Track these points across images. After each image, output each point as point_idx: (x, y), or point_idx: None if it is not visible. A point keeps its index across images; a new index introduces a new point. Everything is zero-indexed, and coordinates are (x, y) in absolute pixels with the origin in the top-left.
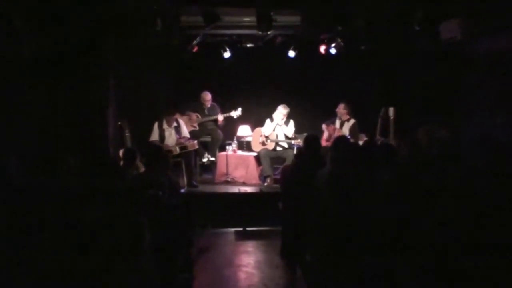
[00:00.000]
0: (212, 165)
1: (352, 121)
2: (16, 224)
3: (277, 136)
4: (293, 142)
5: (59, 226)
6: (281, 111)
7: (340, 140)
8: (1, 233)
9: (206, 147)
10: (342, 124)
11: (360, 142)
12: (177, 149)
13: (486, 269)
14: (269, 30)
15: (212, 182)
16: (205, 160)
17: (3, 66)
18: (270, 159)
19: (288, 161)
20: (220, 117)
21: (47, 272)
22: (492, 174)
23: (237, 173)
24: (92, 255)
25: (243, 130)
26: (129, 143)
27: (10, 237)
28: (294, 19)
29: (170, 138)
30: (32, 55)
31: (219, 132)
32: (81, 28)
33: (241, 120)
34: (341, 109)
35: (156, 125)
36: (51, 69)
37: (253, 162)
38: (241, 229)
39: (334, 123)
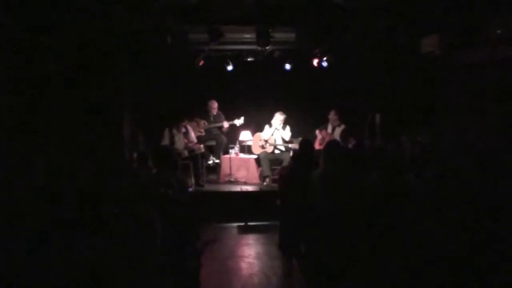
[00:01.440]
0: (216, 167)
1: (343, 126)
2: (40, 219)
3: (275, 140)
4: (289, 145)
5: (80, 221)
6: (278, 118)
7: (332, 144)
8: (27, 226)
9: (211, 150)
10: (333, 129)
11: (350, 146)
12: (186, 152)
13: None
14: (267, 46)
15: (216, 182)
16: (210, 162)
17: (31, 80)
18: (269, 161)
19: (285, 163)
20: (226, 125)
21: (69, 261)
22: (467, 173)
23: (239, 174)
24: (109, 246)
25: (245, 135)
26: (142, 147)
27: (35, 230)
28: (289, 35)
29: (179, 142)
30: (56, 70)
31: (223, 137)
32: (99, 45)
33: (243, 126)
34: (332, 115)
35: (166, 131)
36: (72, 82)
37: (253, 164)
38: (242, 224)
39: (326, 128)
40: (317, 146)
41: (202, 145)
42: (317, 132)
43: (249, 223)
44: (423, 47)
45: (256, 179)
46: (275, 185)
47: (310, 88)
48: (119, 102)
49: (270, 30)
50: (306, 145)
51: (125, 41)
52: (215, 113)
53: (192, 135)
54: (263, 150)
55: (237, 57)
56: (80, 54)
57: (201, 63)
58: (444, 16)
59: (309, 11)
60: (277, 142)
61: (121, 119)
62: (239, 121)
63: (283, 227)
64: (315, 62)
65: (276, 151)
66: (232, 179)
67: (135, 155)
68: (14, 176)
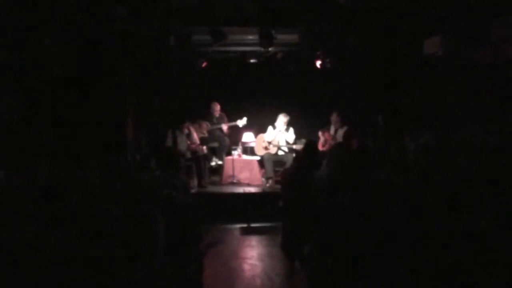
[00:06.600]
0: (219, 168)
1: (345, 128)
2: (44, 217)
3: (278, 142)
4: (293, 146)
5: (82, 220)
6: (282, 119)
7: (337, 146)
8: (31, 225)
9: (214, 152)
10: (336, 131)
11: (353, 147)
12: (189, 153)
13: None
14: (270, 47)
15: (219, 183)
16: (213, 163)
17: (37, 82)
18: (272, 163)
19: (288, 164)
20: (225, 127)
21: (70, 260)
22: (470, 174)
23: (242, 175)
24: (112, 247)
25: (247, 137)
26: (145, 149)
27: (38, 228)
28: (292, 37)
29: (182, 143)
30: (62, 73)
31: (226, 138)
32: (102, 47)
33: (245, 127)
34: (334, 117)
35: (169, 132)
36: (77, 84)
37: (256, 165)
38: (245, 225)
39: (329, 130)
40: (320, 147)
41: (204, 147)
42: (320, 134)
43: (252, 225)
44: (426, 48)
45: (259, 181)
46: (278, 186)
47: (313, 90)
48: (122, 103)
49: (273, 32)
50: (310, 146)
51: (128, 43)
52: (217, 115)
53: (195, 137)
54: (266, 151)
55: (240, 59)
56: (83, 57)
57: (204, 64)
58: (447, 17)
59: (312, 12)
60: (281, 144)
61: (124, 121)
62: (241, 122)
63: (286, 228)
64: (318, 63)
65: (280, 153)
66: (235, 181)
67: (138, 156)
68: (18, 177)
